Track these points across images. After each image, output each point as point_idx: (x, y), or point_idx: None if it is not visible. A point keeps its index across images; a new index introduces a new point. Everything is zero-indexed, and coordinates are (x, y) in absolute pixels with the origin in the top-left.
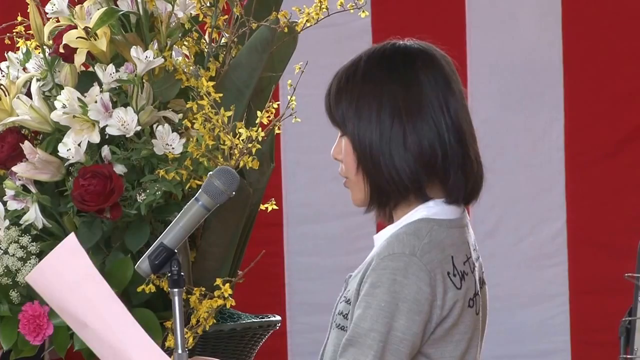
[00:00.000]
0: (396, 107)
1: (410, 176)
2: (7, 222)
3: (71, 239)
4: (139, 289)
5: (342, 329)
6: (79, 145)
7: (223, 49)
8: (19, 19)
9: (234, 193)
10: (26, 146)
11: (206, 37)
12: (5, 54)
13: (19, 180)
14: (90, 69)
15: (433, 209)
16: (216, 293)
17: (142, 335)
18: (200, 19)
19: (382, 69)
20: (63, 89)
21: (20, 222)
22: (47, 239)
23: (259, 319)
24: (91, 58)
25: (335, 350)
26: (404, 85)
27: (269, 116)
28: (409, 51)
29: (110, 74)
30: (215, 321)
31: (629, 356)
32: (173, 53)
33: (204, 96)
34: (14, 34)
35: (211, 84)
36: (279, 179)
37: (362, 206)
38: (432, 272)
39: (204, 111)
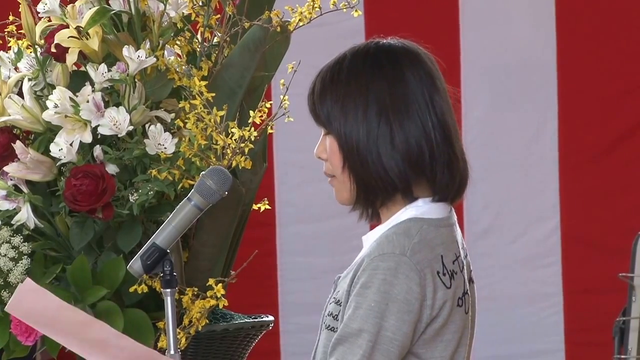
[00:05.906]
0: (383, 105)
1: (399, 175)
2: None
3: (27, 283)
4: (131, 289)
5: (332, 330)
6: (71, 145)
7: (215, 49)
8: (11, 18)
9: (226, 193)
10: (18, 146)
11: (198, 36)
12: None
13: (11, 180)
14: (82, 68)
15: (422, 208)
16: (209, 293)
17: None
18: (192, 18)
19: (367, 67)
20: (55, 88)
21: (12, 222)
22: (39, 239)
23: (252, 319)
24: (83, 57)
25: (326, 352)
26: (390, 83)
27: (261, 116)
28: (393, 49)
29: (102, 74)
30: (207, 321)
31: (623, 356)
32: (165, 52)
33: (197, 96)
34: (6, 33)
35: (203, 83)
36: (271, 178)
37: (347, 204)
38: (422, 271)
39: (196, 111)
